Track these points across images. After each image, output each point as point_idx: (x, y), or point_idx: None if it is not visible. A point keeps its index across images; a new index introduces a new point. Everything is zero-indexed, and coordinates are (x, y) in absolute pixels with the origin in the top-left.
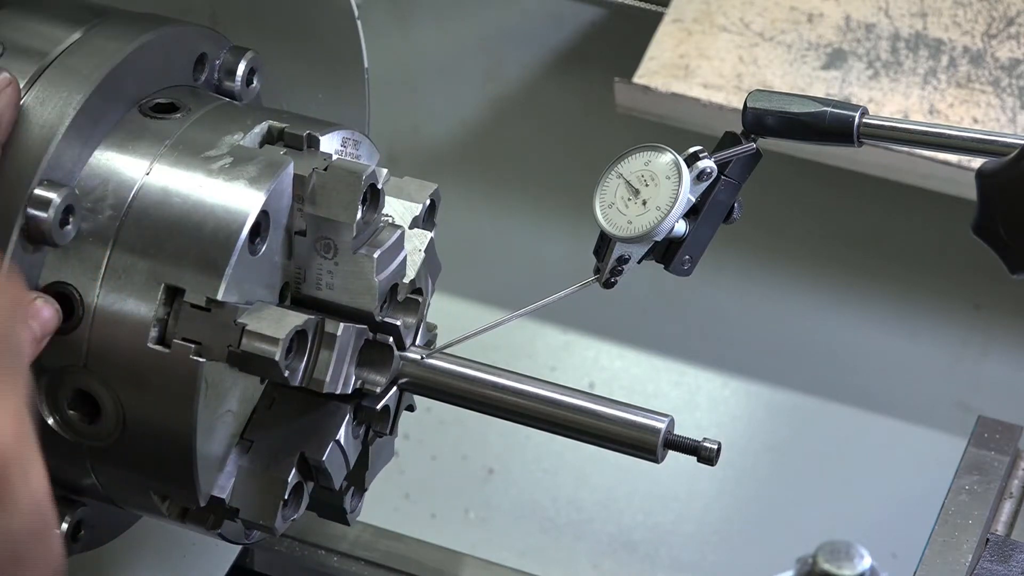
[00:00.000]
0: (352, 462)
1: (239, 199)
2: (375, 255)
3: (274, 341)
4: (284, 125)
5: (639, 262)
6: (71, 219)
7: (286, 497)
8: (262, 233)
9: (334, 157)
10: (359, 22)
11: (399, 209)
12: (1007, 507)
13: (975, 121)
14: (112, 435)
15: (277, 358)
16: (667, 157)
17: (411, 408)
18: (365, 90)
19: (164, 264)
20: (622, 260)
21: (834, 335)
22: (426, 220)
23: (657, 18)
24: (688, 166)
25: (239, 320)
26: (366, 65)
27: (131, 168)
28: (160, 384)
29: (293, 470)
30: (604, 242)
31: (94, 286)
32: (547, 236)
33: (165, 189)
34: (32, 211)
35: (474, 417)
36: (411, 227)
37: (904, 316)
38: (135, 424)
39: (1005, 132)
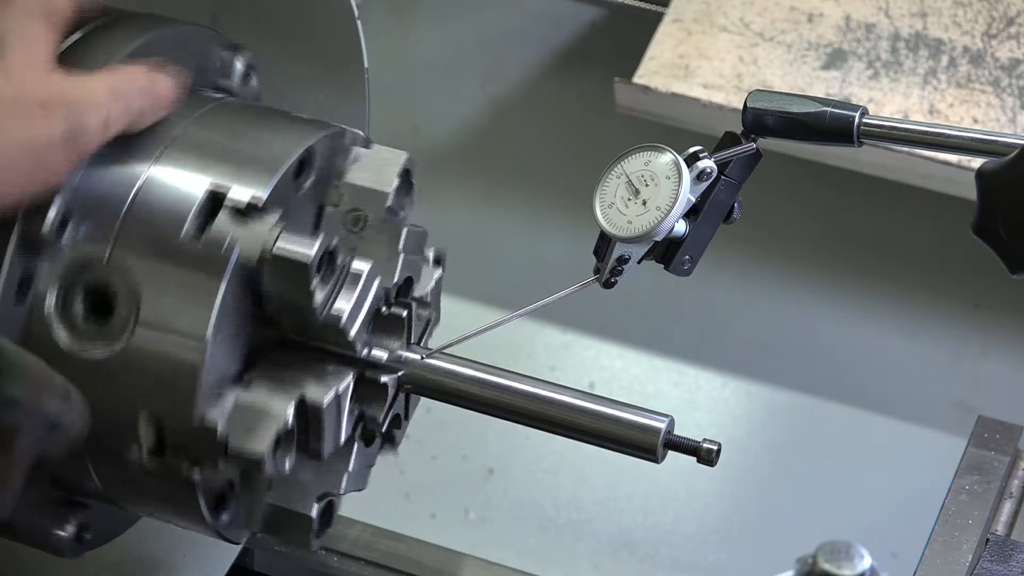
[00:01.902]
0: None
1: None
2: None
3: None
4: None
5: (639, 262)
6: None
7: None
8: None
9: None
10: (359, 22)
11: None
12: (1007, 507)
13: (975, 121)
14: (118, 340)
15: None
16: (667, 157)
17: None
18: (365, 90)
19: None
20: (622, 260)
21: (834, 335)
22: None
23: (657, 18)
24: (688, 166)
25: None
26: (366, 65)
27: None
28: (185, 278)
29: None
30: (604, 242)
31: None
32: (547, 236)
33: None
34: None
35: (474, 417)
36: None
37: (904, 316)
38: (147, 327)
39: (1005, 132)
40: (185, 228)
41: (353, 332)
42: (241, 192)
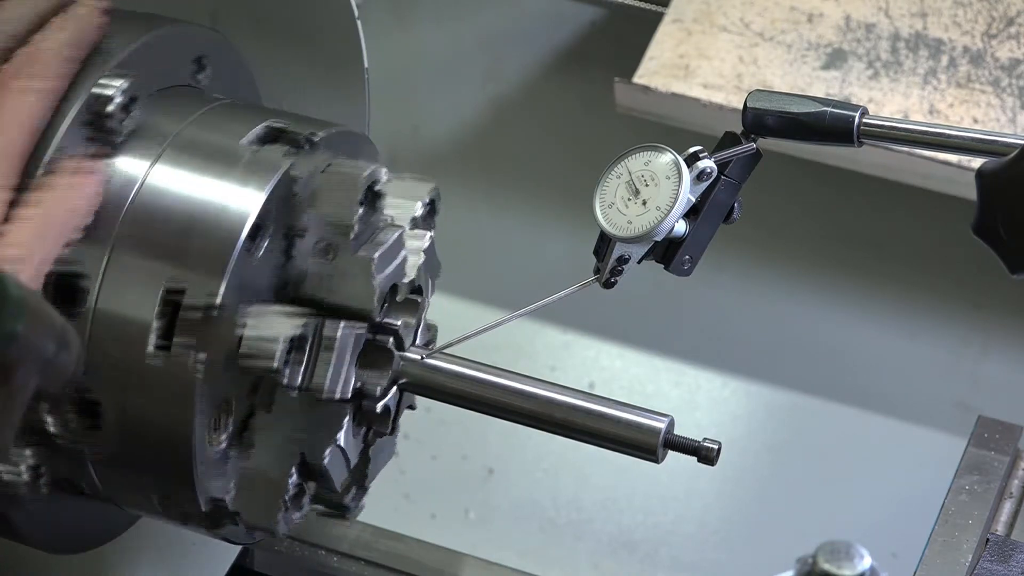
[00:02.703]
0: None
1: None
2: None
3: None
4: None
5: (639, 262)
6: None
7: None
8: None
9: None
10: (359, 22)
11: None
12: (1007, 507)
13: (975, 121)
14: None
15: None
16: (667, 157)
17: (411, 407)
18: (365, 90)
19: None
20: (622, 260)
21: (834, 335)
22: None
23: (657, 18)
24: (688, 166)
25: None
26: (366, 65)
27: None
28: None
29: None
30: (604, 242)
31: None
32: (547, 236)
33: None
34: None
35: (474, 417)
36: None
37: (904, 316)
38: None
39: (1005, 132)
40: (240, 144)
41: (378, 279)
42: (299, 130)
